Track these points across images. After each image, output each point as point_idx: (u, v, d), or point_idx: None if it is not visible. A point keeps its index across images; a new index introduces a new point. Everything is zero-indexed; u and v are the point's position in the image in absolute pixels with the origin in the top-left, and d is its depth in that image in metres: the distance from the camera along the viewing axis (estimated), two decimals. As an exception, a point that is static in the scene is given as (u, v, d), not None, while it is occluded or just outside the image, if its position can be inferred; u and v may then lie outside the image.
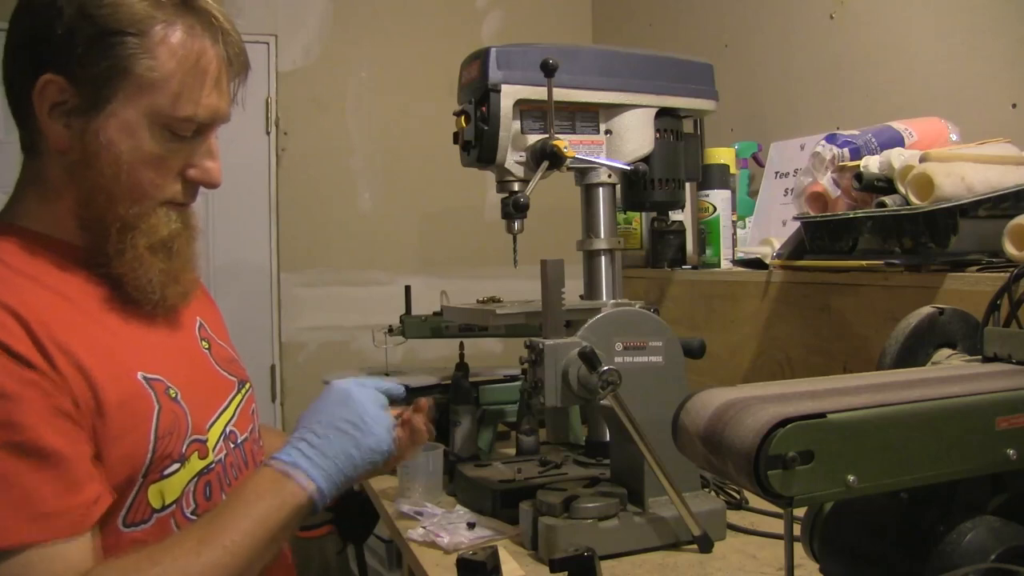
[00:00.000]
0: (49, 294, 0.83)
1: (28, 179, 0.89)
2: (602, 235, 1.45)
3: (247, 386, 1.05)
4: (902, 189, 1.29)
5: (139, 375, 0.85)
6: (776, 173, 1.92)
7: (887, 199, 1.32)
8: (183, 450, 0.87)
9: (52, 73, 0.82)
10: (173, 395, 0.88)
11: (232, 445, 0.96)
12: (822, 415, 0.61)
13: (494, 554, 1.00)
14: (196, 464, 0.89)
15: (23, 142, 0.89)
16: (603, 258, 1.46)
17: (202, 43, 0.86)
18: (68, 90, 0.82)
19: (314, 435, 0.90)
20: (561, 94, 1.34)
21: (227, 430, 0.96)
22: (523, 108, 1.35)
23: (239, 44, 0.91)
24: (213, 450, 0.92)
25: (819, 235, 1.47)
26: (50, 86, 0.82)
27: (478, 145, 1.35)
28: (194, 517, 0.88)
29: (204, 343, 1.01)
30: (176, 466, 0.86)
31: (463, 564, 0.98)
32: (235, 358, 1.06)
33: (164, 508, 0.86)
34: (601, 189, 1.45)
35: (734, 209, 1.88)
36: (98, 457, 0.80)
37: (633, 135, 1.43)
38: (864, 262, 1.33)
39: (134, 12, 0.82)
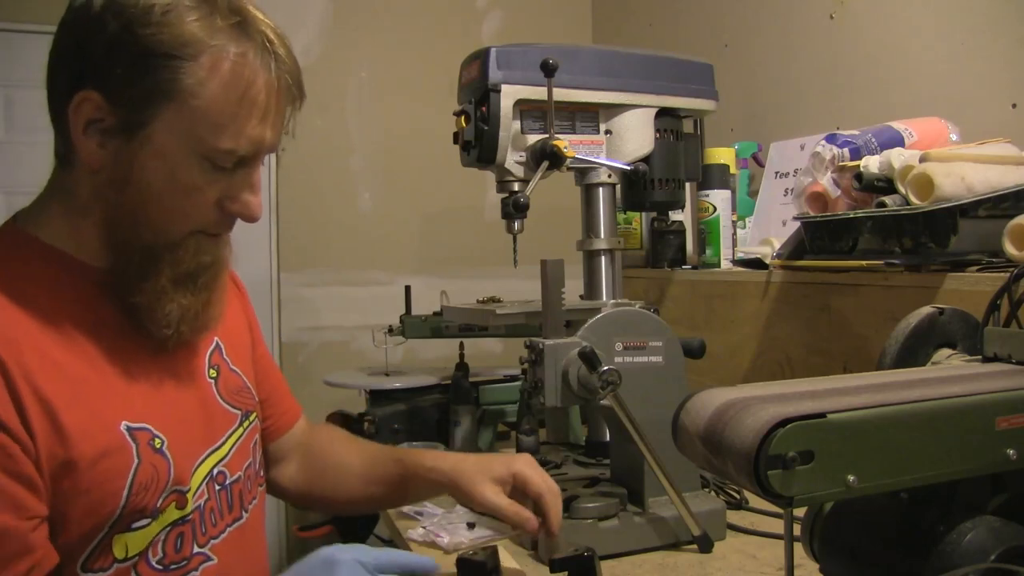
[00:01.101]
0: (45, 329, 0.79)
1: (55, 190, 0.86)
2: (602, 235, 1.45)
3: (252, 417, 1.00)
4: (902, 189, 1.29)
5: (122, 426, 0.81)
6: (776, 173, 1.92)
7: (887, 199, 1.32)
8: (158, 504, 0.83)
9: (90, 90, 0.78)
10: (158, 446, 0.84)
11: (217, 487, 0.91)
12: (822, 415, 0.61)
13: (494, 554, 0.99)
14: (171, 515, 0.85)
15: (57, 150, 0.85)
16: (603, 258, 1.46)
17: (253, 71, 0.81)
18: (104, 108, 0.79)
19: None
20: (561, 94, 1.33)
21: (215, 471, 0.91)
22: (523, 108, 1.35)
23: (294, 71, 0.85)
24: (193, 497, 0.87)
25: (819, 235, 1.47)
26: (86, 103, 0.79)
27: (478, 145, 1.35)
28: (160, 567, 0.85)
29: (212, 371, 0.96)
30: (146, 520, 0.83)
31: (463, 564, 0.98)
32: (244, 386, 1.00)
33: (126, 559, 0.82)
34: (601, 189, 1.45)
35: (734, 209, 1.88)
36: (60, 511, 0.78)
37: (633, 135, 1.43)
38: (864, 262, 1.33)
39: (182, 34, 0.78)
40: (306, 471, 1.15)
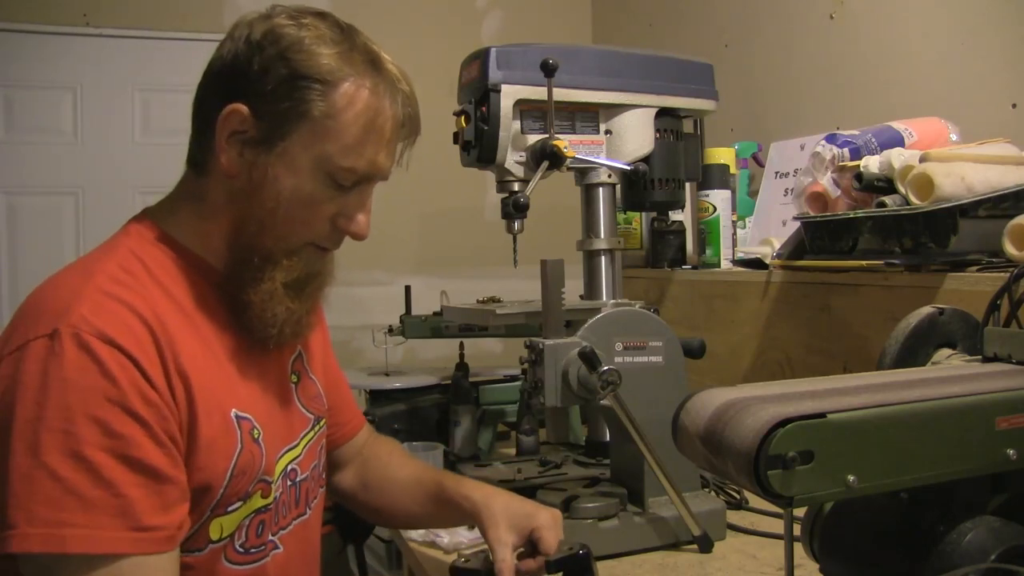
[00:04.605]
0: (179, 314, 0.86)
1: (187, 193, 0.93)
2: (602, 235, 1.45)
3: (322, 423, 1.07)
4: (902, 189, 1.29)
5: (232, 412, 0.88)
6: (776, 173, 1.92)
7: (887, 199, 1.32)
8: (249, 489, 0.89)
9: (240, 103, 0.86)
10: (256, 436, 0.90)
11: (289, 483, 0.97)
12: (822, 415, 0.61)
13: (487, 560, 0.99)
14: (257, 502, 0.91)
15: (193, 157, 0.93)
16: (603, 258, 1.46)
17: (382, 103, 0.89)
18: (249, 121, 0.87)
19: None
20: (561, 94, 1.33)
21: (288, 468, 0.97)
22: (523, 108, 1.35)
23: (415, 109, 0.95)
24: (275, 488, 0.94)
25: (819, 235, 1.47)
26: (234, 115, 0.86)
27: (478, 145, 1.35)
28: (242, 551, 0.91)
29: (294, 376, 1.03)
30: (239, 503, 0.89)
31: (456, 573, 0.97)
32: (318, 393, 1.07)
33: (220, 540, 0.88)
34: (601, 189, 1.45)
35: (734, 209, 1.88)
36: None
37: (633, 135, 1.43)
38: (864, 262, 1.33)
39: (325, 63, 0.87)
40: (359, 479, 1.19)
